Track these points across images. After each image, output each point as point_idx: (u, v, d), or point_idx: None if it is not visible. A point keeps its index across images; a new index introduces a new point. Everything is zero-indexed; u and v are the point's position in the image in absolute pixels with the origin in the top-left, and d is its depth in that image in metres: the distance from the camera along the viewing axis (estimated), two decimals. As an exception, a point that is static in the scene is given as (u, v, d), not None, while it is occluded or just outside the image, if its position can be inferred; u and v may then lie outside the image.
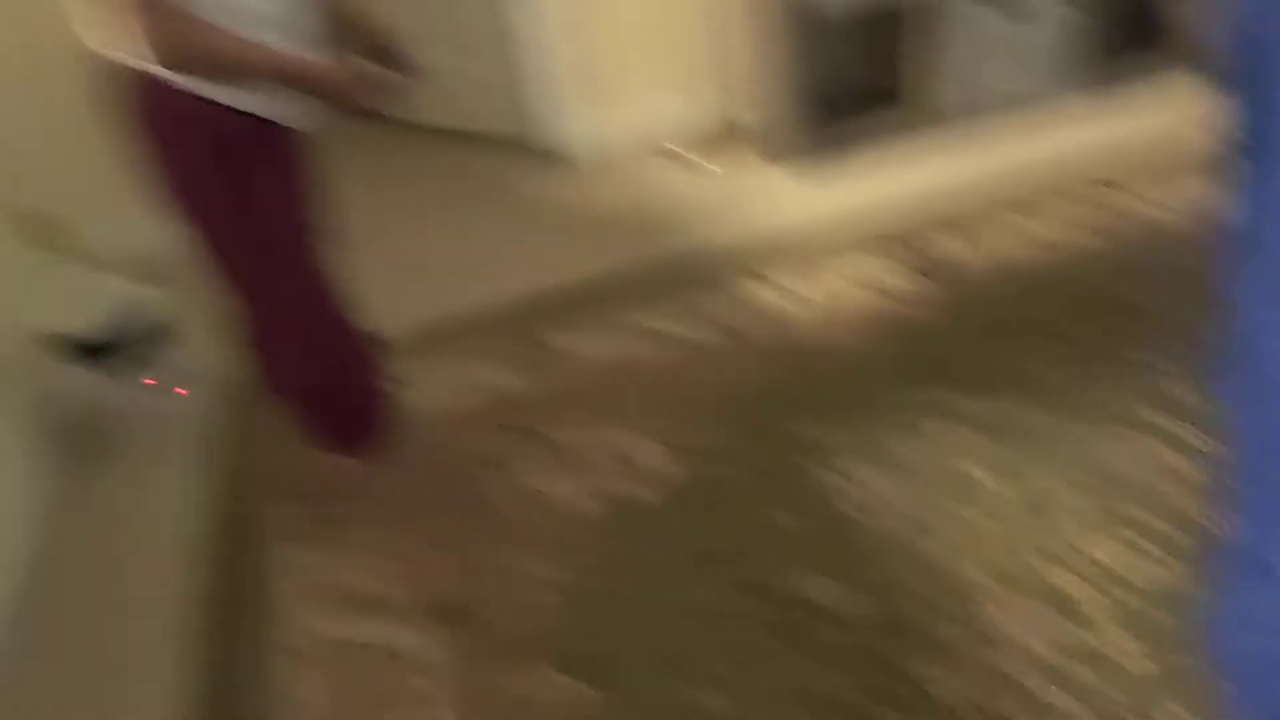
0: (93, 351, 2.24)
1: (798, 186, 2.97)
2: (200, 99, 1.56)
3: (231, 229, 1.69)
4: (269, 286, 1.78)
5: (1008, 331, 2.33)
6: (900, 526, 1.87)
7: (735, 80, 3.15)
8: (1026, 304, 2.41)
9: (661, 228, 2.87)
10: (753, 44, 2.97)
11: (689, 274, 2.63)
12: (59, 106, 2.71)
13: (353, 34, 1.74)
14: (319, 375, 1.90)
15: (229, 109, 1.59)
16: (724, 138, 3.18)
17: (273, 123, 1.66)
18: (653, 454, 2.10)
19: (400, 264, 2.67)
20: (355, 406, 2.00)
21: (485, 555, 1.92)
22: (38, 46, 2.61)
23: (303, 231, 1.77)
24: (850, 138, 3.05)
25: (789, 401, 2.20)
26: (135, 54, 1.51)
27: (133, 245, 2.51)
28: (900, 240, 2.69)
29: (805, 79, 2.89)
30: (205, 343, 2.15)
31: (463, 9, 3.20)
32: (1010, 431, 2.03)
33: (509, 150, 3.34)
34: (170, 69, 1.52)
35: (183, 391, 2.30)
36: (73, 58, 1.62)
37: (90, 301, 2.32)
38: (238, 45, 1.54)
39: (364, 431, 2.02)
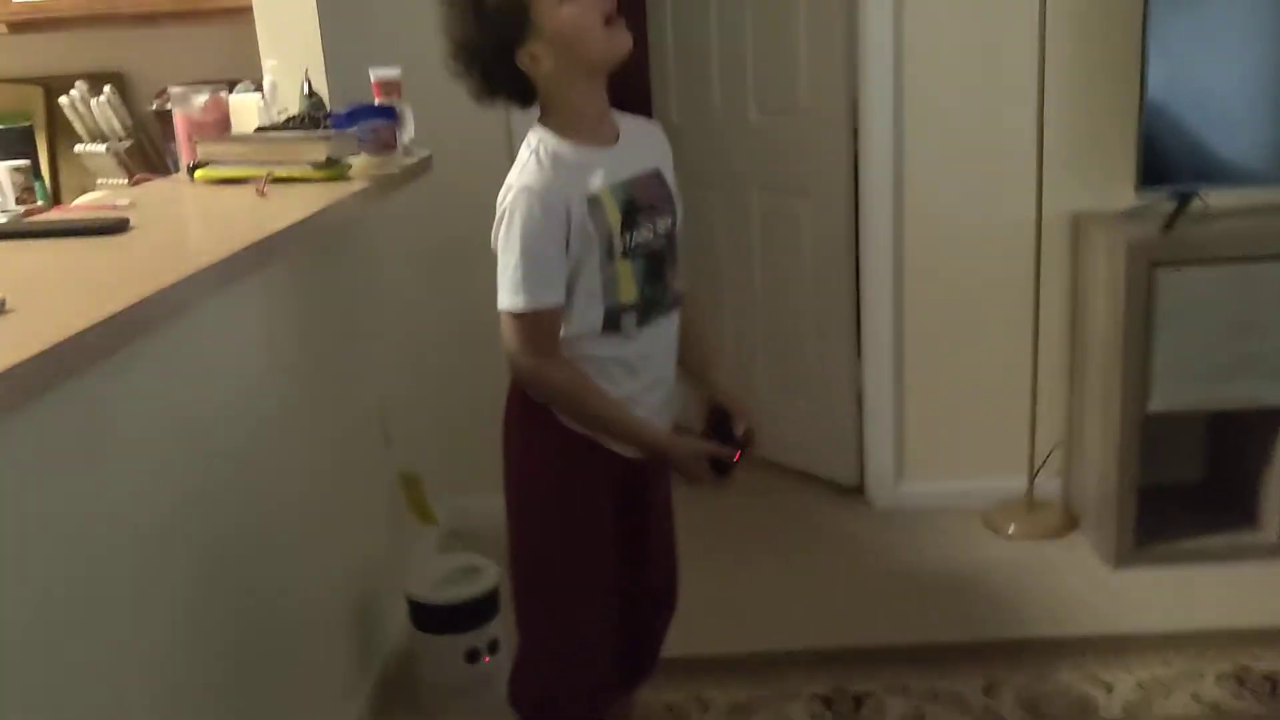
0: (429, 614, 2.48)
1: (1117, 575, 2.92)
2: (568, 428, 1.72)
3: (564, 543, 1.78)
4: (566, 611, 1.82)
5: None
6: None
7: (1067, 466, 3.19)
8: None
9: (970, 595, 2.87)
10: (1087, 435, 2.99)
11: (992, 645, 2.63)
12: (452, 383, 3.17)
13: (705, 400, 1.87)
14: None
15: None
16: (1046, 514, 3.19)
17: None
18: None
19: (701, 591, 2.82)
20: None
21: None
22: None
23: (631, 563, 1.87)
24: (1180, 536, 2.98)
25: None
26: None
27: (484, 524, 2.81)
28: (1220, 647, 2.57)
29: (1137, 474, 2.88)
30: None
31: (823, 364, 3.48)
32: None
33: (827, 492, 3.49)
34: (537, 400, 1.71)
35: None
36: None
37: (437, 566, 2.59)
38: (598, 402, 1.69)
39: None
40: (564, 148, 1.64)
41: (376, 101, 2.42)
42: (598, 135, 1.69)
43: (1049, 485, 3.27)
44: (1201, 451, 3.29)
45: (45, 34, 2.95)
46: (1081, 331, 3.10)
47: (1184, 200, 2.84)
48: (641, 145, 1.78)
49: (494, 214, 1.64)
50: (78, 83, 2.95)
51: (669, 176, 1.80)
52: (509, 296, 1.62)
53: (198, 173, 2.12)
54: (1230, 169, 2.86)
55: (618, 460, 1.77)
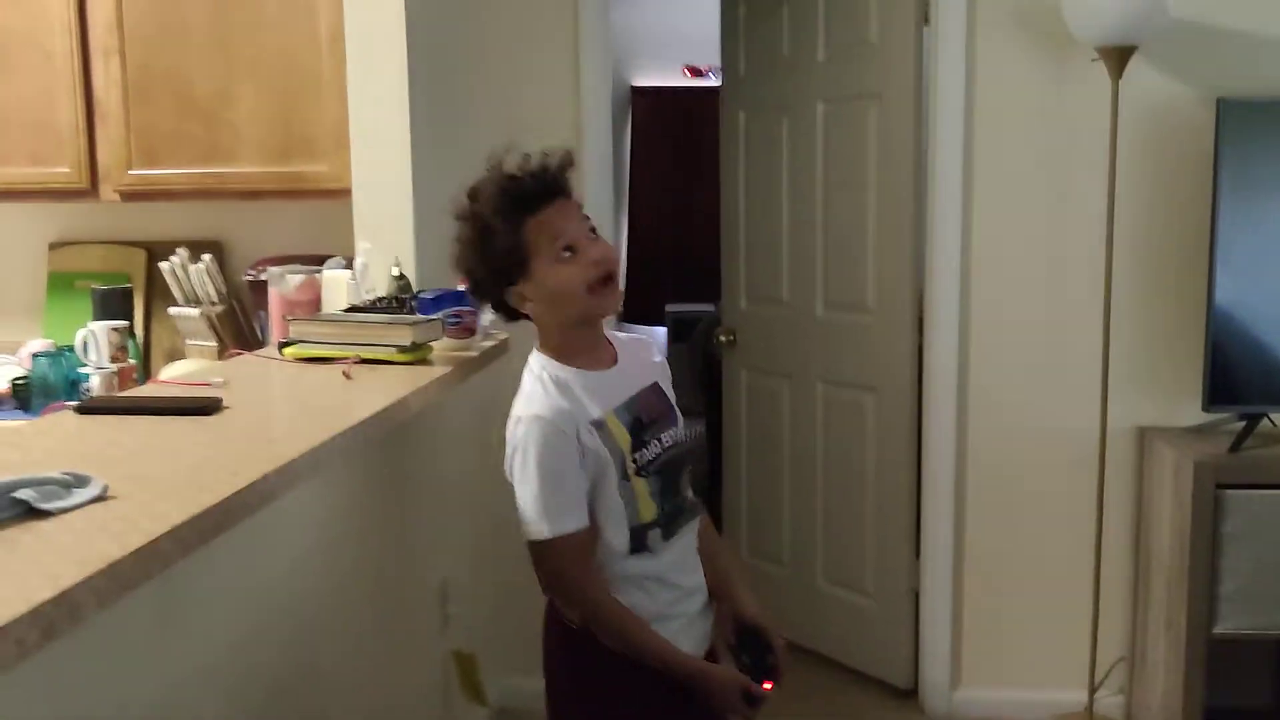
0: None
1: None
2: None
3: None
4: None
5: None
6: None
7: (1130, 683, 3.11)
8: None
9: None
10: (1150, 653, 2.91)
11: None
12: (509, 564, 3.18)
13: (730, 615, 1.84)
14: None
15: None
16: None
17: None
18: None
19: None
20: None
21: None
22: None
23: None
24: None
25: None
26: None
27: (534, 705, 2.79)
28: None
29: (1203, 696, 2.79)
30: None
31: (880, 561, 3.45)
32: None
33: (879, 694, 3.41)
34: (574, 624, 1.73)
35: None
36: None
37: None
38: (633, 625, 1.68)
39: None
40: (566, 373, 1.69)
41: (460, 287, 2.52)
42: (595, 359, 1.73)
43: (1111, 702, 3.18)
44: (1270, 677, 3.19)
45: (154, 203, 3.13)
46: (1146, 546, 3.06)
47: (1252, 420, 2.84)
48: (638, 362, 1.82)
49: None
50: (179, 249, 3.11)
51: (667, 388, 1.84)
52: (536, 525, 1.64)
53: (287, 350, 2.21)
54: (1299, 391, 2.86)
55: (663, 680, 1.74)
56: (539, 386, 1.68)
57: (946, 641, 3.28)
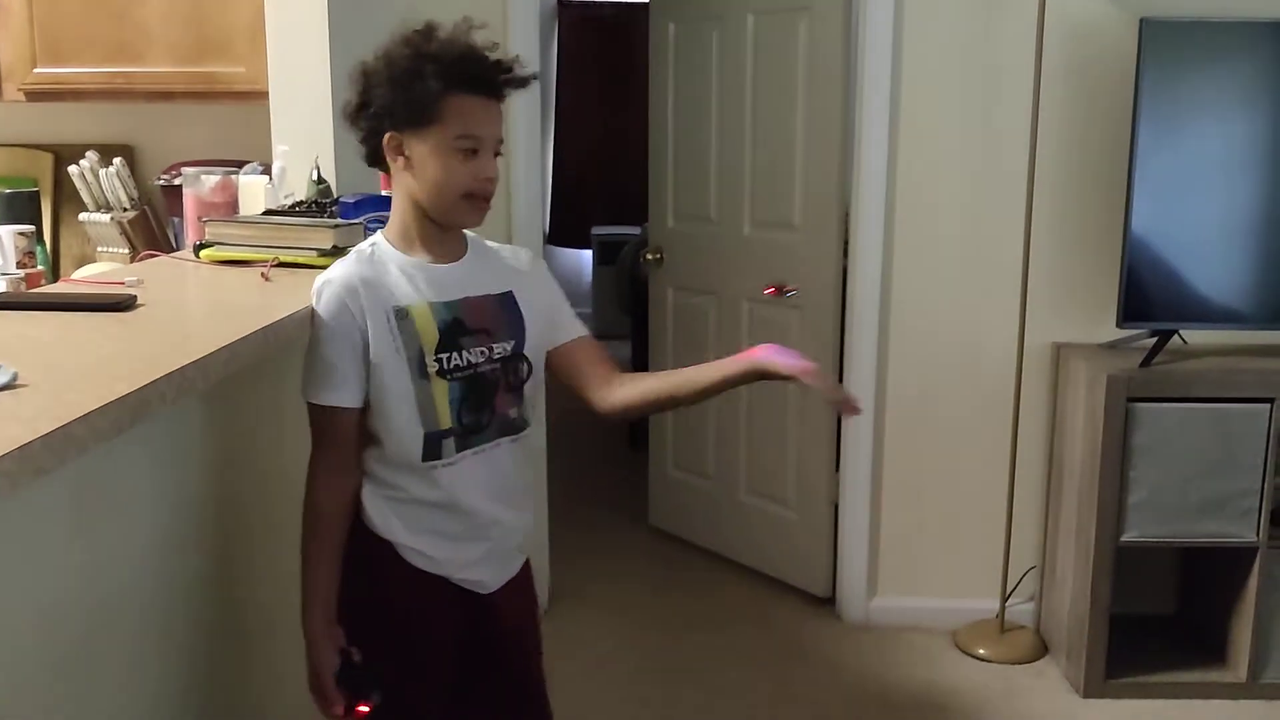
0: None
1: (1084, 705, 2.89)
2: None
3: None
4: None
5: None
6: None
7: (1041, 592, 3.20)
8: None
9: (936, 717, 2.90)
10: (1061, 562, 3.01)
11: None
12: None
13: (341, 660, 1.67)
14: None
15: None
16: (1018, 639, 3.19)
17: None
18: None
19: (666, 695, 2.78)
20: None
21: None
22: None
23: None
24: (1150, 670, 2.97)
25: None
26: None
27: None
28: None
29: (1110, 604, 2.90)
30: None
31: (801, 474, 3.51)
32: None
33: (798, 602, 3.48)
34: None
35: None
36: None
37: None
38: (313, 546, 1.65)
39: None
40: (392, 253, 1.64)
41: (383, 192, 2.47)
42: (435, 254, 1.66)
43: (1022, 610, 3.29)
44: (1174, 585, 3.32)
45: (61, 104, 3.01)
46: (1059, 459, 3.15)
47: (1163, 337, 2.92)
48: (493, 269, 1.72)
49: None
50: (88, 153, 3.00)
51: (527, 305, 1.72)
52: (303, 384, 1.63)
53: (204, 252, 2.15)
54: (1210, 309, 2.94)
55: (457, 593, 1.71)
56: (354, 255, 1.64)
57: (864, 552, 3.35)
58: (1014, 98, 3.04)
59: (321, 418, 1.63)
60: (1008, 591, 3.22)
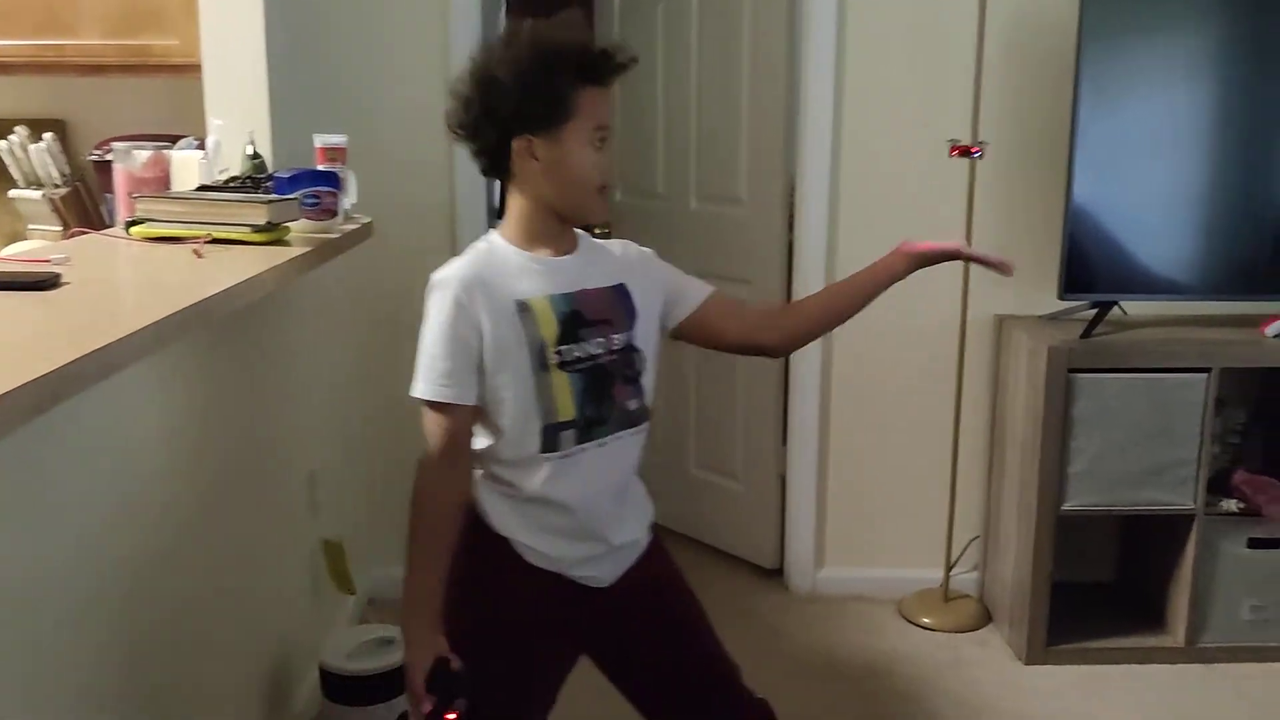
0: (340, 684, 2.44)
1: (1028, 671, 2.95)
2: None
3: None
4: None
5: None
6: None
7: (984, 561, 3.24)
8: None
9: (881, 685, 2.88)
10: (1003, 531, 3.04)
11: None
12: (381, 454, 3.15)
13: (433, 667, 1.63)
14: None
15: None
16: (961, 607, 3.23)
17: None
18: None
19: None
20: None
21: None
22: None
23: None
24: (1091, 636, 3.03)
25: None
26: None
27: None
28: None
29: (1051, 572, 2.94)
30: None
31: (749, 447, 3.52)
32: None
33: (746, 574, 3.50)
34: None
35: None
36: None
37: (352, 637, 2.55)
38: (420, 545, 1.61)
39: None
40: (509, 250, 1.63)
41: (319, 166, 2.43)
42: (554, 249, 1.65)
43: (966, 579, 3.33)
44: (1114, 553, 3.37)
45: (-12, 77, 2.93)
46: (1001, 430, 3.18)
47: (1104, 308, 2.95)
48: (605, 260, 1.72)
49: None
50: (18, 128, 2.92)
51: (639, 294, 1.71)
52: (416, 381, 1.60)
53: (134, 229, 2.11)
54: (1150, 280, 2.98)
55: (569, 587, 1.69)
56: (469, 253, 1.63)
57: (811, 524, 3.37)
58: (958, 69, 3.04)
59: (437, 416, 1.60)
60: (952, 561, 3.26)
